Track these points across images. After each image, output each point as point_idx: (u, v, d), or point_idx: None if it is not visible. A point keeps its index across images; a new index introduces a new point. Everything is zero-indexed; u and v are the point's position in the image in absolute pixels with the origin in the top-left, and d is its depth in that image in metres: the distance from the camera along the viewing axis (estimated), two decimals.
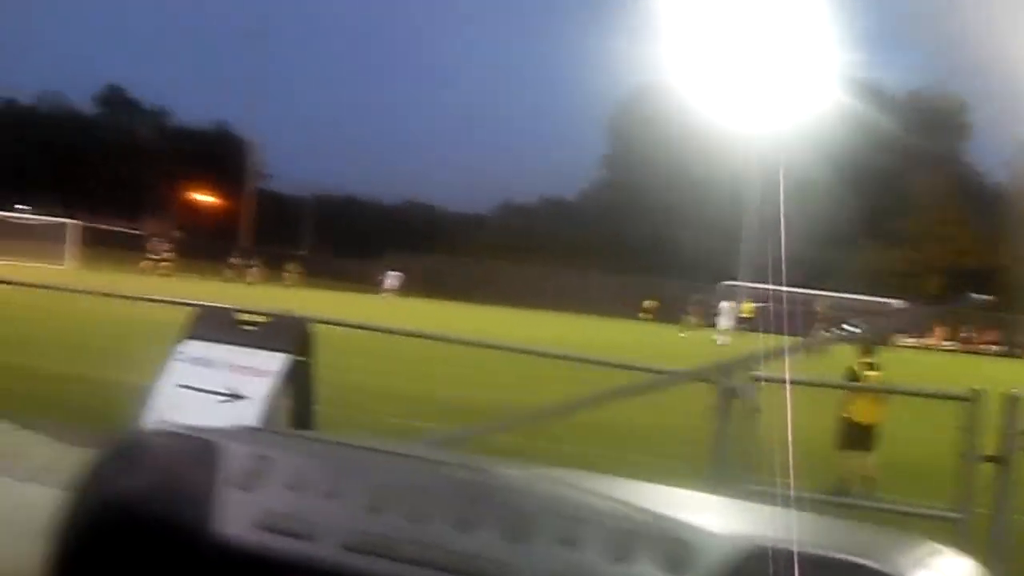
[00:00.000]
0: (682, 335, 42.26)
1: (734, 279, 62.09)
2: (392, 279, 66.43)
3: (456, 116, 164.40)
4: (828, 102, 66.65)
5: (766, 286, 62.96)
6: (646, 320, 65.76)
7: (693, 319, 55.14)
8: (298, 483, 1.00)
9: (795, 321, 62.83)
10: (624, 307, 66.56)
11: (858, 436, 11.14)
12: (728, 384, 7.34)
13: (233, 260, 66.28)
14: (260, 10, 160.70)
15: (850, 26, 67.69)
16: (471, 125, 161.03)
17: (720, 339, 42.64)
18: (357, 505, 0.97)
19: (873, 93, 71.54)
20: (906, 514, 8.41)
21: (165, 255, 61.87)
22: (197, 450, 1.04)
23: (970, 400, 6.71)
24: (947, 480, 7.10)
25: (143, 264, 59.63)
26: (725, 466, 7.43)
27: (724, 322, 43.83)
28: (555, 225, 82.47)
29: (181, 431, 1.08)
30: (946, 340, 67.23)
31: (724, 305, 44.41)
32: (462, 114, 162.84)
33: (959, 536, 6.85)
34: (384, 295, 62.60)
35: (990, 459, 6.78)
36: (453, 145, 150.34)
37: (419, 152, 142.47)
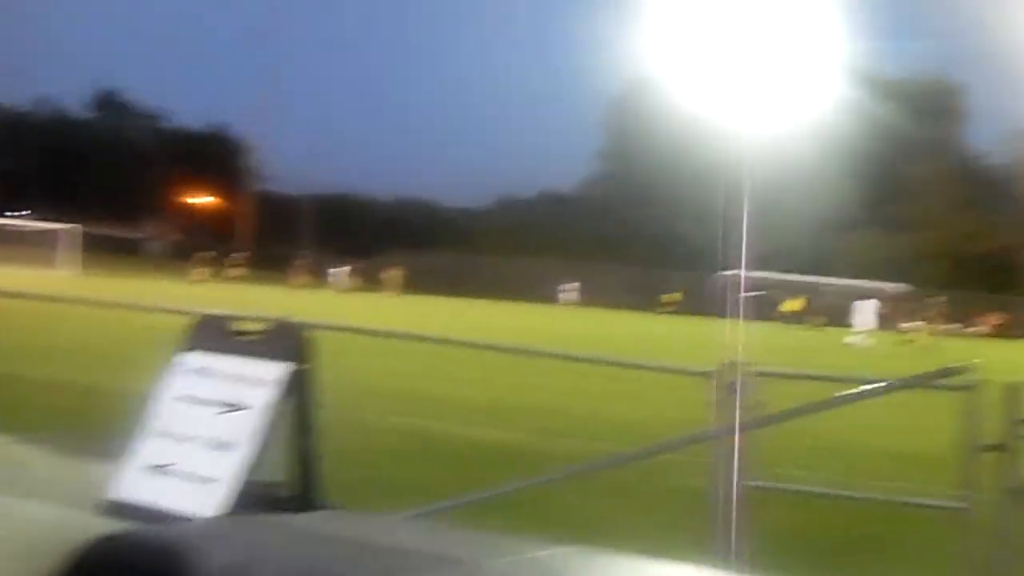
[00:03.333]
0: (846, 340, 40.93)
1: (733, 269, 61.99)
2: (394, 276, 66.50)
3: (452, 113, 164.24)
4: (825, 91, 66.61)
5: (765, 274, 63.32)
6: (666, 313, 65.68)
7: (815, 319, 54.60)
8: None
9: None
10: (638, 299, 66.70)
11: None
12: (730, 379, 7.35)
13: (298, 262, 66.90)
14: (254, 11, 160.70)
15: (846, 15, 67.51)
16: (468, 121, 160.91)
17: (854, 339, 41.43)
18: None
19: (870, 80, 71.48)
20: (907, 504, 8.44)
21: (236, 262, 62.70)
22: (161, 558, 1.01)
23: (971, 389, 6.71)
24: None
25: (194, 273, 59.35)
26: (731, 461, 7.44)
27: (860, 321, 42.23)
28: (553, 218, 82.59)
29: (146, 534, 1.05)
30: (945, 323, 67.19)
31: (859, 304, 42.50)
32: (458, 111, 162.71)
33: (965, 526, 6.87)
34: (387, 294, 62.74)
35: (991, 448, 6.78)
36: (450, 142, 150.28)
37: (417, 150, 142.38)
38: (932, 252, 74.21)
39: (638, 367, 8.65)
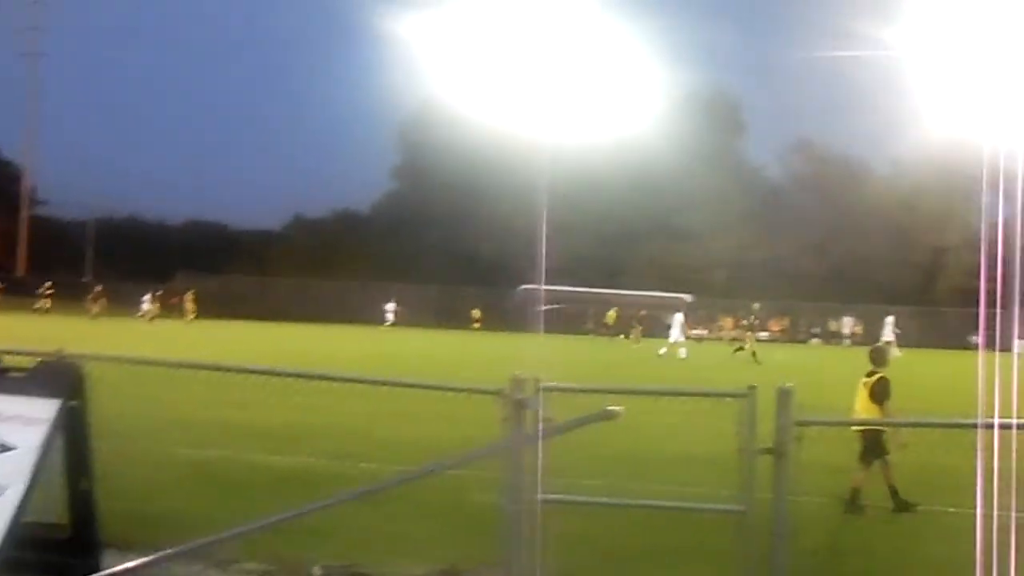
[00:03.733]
0: (661, 352, 42.01)
1: (532, 283, 62.97)
2: (188, 301, 64.60)
3: (243, 133, 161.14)
4: (613, 104, 68.23)
5: (564, 288, 64.43)
6: (477, 330, 66.14)
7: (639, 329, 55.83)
8: None
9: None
10: (450, 317, 66.80)
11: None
12: (519, 396, 7.46)
13: (95, 290, 63.65)
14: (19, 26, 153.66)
15: (631, 31, 69.46)
16: (258, 140, 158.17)
17: (667, 350, 42.62)
18: None
19: (656, 93, 73.57)
20: (691, 510, 8.74)
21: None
22: None
23: (747, 397, 6.99)
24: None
25: None
26: (519, 477, 7.54)
27: (675, 333, 43.88)
28: (348, 238, 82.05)
29: None
30: (733, 329, 69.75)
31: (677, 316, 44.43)
32: (250, 131, 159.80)
33: (743, 528, 7.14)
34: (184, 319, 60.94)
35: (767, 451, 7.08)
36: (242, 163, 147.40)
37: (207, 171, 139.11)
38: (716, 261, 77.00)
39: (429, 388, 8.66)
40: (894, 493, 11.22)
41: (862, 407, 11.63)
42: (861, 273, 69.60)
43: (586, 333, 63.66)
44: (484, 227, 75.57)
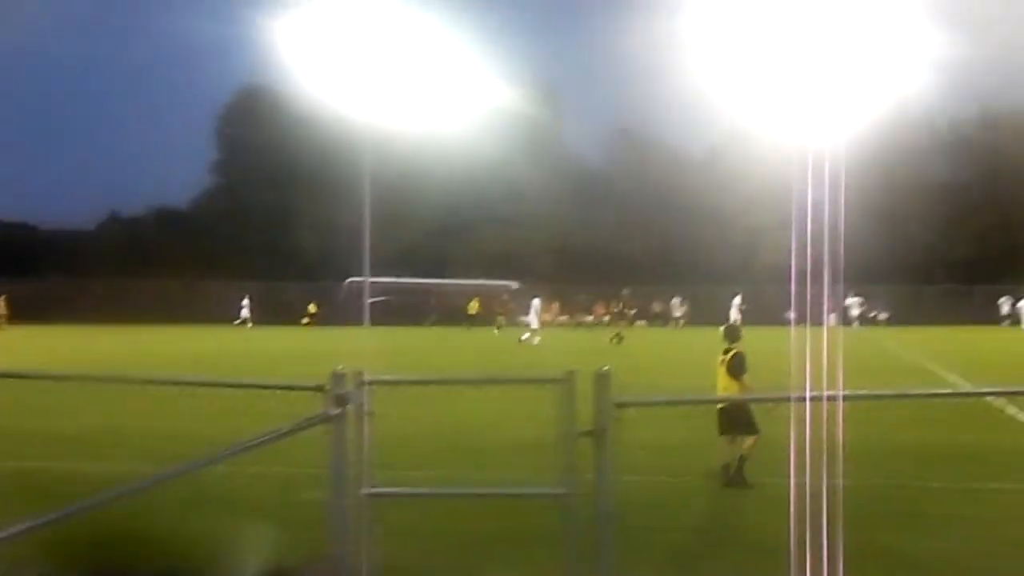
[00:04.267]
0: (523, 339, 42.09)
1: (358, 276, 62.59)
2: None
3: (50, 129, 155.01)
4: (436, 96, 68.33)
5: (391, 279, 64.23)
6: (311, 325, 65.01)
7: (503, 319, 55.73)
8: None
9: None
10: (274, 313, 65.60)
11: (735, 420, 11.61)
12: (340, 391, 7.38)
13: None
14: None
15: (453, 25, 69.49)
16: (68, 137, 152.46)
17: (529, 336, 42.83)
18: None
19: (479, 85, 73.93)
20: (518, 495, 8.79)
21: None
22: None
23: (566, 381, 7.05)
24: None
25: None
26: (343, 470, 7.46)
27: (533, 320, 44.25)
28: (166, 236, 79.83)
29: None
30: (561, 315, 70.72)
31: (535, 303, 44.92)
32: (56, 126, 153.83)
33: (568, 510, 7.22)
34: None
35: (587, 433, 7.17)
36: (50, 159, 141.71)
37: (9, 169, 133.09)
38: (540, 248, 77.84)
39: (249, 387, 8.50)
40: (739, 467, 11.47)
41: (722, 383, 11.93)
42: (683, 255, 71.36)
43: (439, 324, 63.67)
44: (308, 221, 74.67)
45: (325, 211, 71.77)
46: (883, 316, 62.96)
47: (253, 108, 79.51)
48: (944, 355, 31.04)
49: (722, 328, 12.99)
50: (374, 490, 7.41)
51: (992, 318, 54.12)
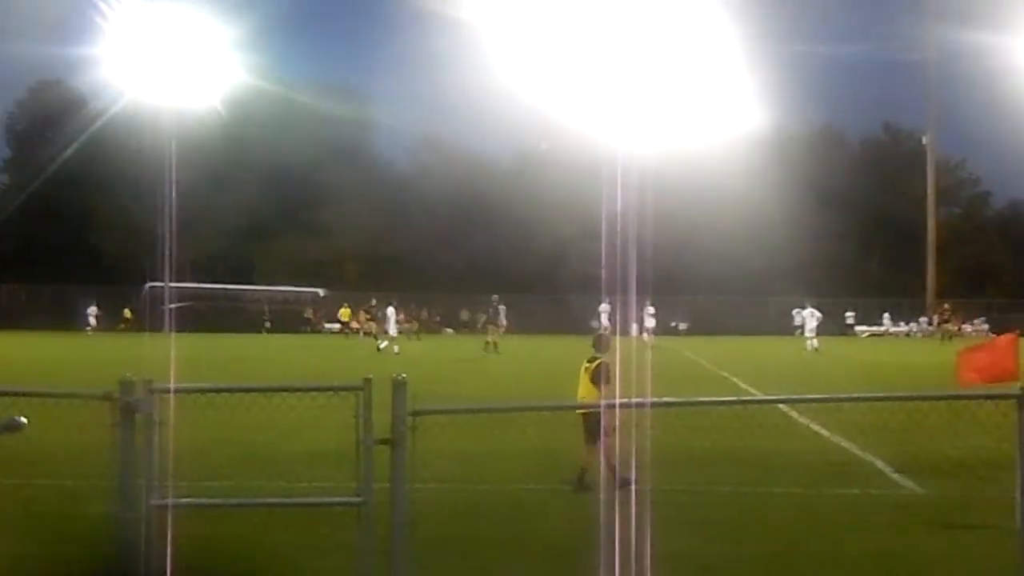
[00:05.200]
0: (381, 347, 41.59)
1: (158, 280, 60.82)
2: None
3: None
4: (240, 98, 67.11)
5: (194, 285, 62.63)
6: (126, 331, 62.15)
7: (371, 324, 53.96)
8: None
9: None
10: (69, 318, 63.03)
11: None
12: (127, 399, 7.15)
13: None
14: None
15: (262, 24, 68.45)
16: None
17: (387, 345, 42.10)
18: None
19: (285, 88, 72.94)
20: (312, 505, 8.68)
21: None
22: None
23: (362, 389, 7.01)
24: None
25: None
26: (131, 481, 7.23)
27: (392, 328, 43.35)
28: None
29: None
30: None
31: (390, 311, 44.08)
32: None
33: (363, 519, 7.16)
34: None
35: (384, 442, 7.14)
36: None
37: None
38: (347, 256, 77.37)
39: (32, 395, 8.15)
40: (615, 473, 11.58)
41: (584, 391, 12.01)
42: (489, 263, 71.83)
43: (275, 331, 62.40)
44: (106, 223, 72.20)
45: (124, 213, 69.56)
46: (683, 326, 64.87)
47: (47, 104, 76.54)
48: (738, 364, 32.17)
49: (593, 337, 13.13)
50: (164, 501, 7.20)
51: (786, 329, 56.37)
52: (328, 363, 34.45)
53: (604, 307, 52.74)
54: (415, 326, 54.93)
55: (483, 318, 48.33)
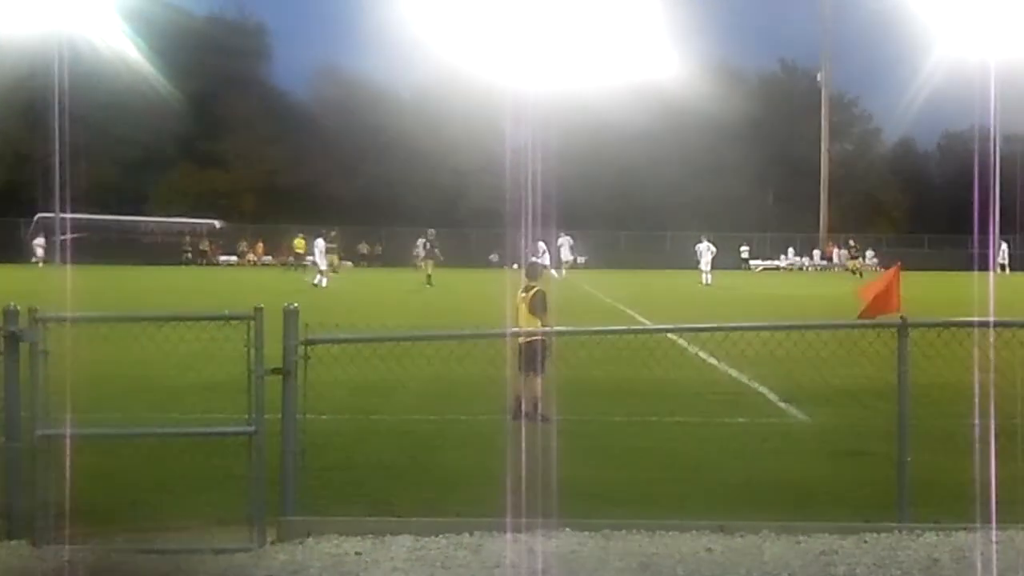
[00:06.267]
0: (314, 282, 40.26)
1: (48, 211, 59.34)
2: None
3: None
4: (129, 24, 65.40)
5: (87, 216, 61.15)
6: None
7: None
8: None
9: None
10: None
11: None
12: (11, 328, 7.01)
13: None
14: None
15: None
16: None
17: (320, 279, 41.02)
18: None
19: (177, 16, 71.22)
20: (206, 435, 8.61)
21: None
22: None
23: (253, 318, 6.96)
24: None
25: None
26: (17, 412, 7.11)
27: (321, 261, 42.31)
28: None
29: None
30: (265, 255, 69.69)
31: (319, 242, 42.96)
32: None
33: (254, 448, 7.15)
34: None
35: (276, 371, 7.11)
36: None
37: None
38: (244, 186, 76.20)
39: None
40: (534, 407, 11.58)
41: (522, 320, 11.97)
42: (388, 196, 71.34)
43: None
44: None
45: (13, 142, 67.53)
46: (581, 260, 65.39)
47: None
48: (634, 297, 32.54)
49: (525, 266, 13.13)
50: (50, 431, 7.10)
51: (682, 263, 56.90)
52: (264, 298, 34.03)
53: (541, 244, 51.90)
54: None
55: (420, 252, 47.71)
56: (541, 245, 49.74)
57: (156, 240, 70.97)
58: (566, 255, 55.27)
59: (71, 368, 8.04)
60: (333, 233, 46.95)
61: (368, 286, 40.97)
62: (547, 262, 47.27)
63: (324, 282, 40.59)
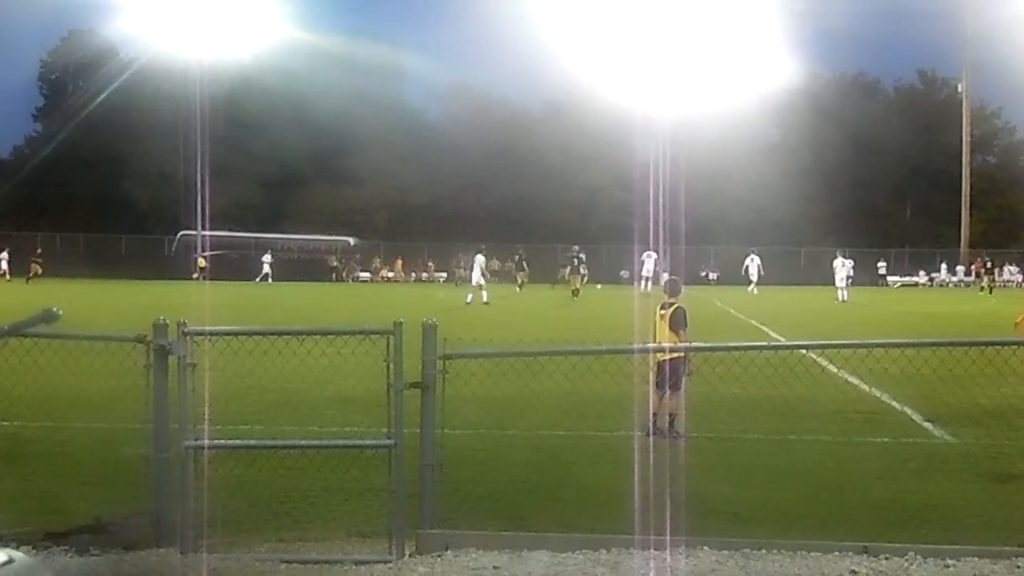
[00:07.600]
0: (468, 300, 39.52)
1: (191, 229, 61.16)
2: None
3: None
4: (272, 47, 66.99)
5: (226, 233, 62.87)
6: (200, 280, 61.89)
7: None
8: None
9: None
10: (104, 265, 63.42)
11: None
12: (161, 342, 7.21)
13: None
14: None
15: None
16: None
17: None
18: None
19: (316, 37, 72.72)
20: (345, 447, 8.74)
21: None
22: None
23: (392, 333, 7.04)
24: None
25: None
26: (165, 423, 7.31)
27: (479, 278, 41.30)
28: None
29: None
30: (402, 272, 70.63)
31: (479, 258, 42.17)
32: None
33: (394, 461, 7.22)
34: None
35: (415, 385, 7.18)
36: None
37: None
38: (378, 204, 77.34)
39: (65, 337, 8.22)
40: (671, 423, 11.63)
41: (661, 336, 12.02)
42: (519, 213, 71.70)
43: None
44: (138, 171, 72.45)
45: (156, 161, 69.78)
46: (713, 276, 64.60)
47: (80, 52, 76.60)
48: (768, 313, 32.04)
49: (665, 283, 13.12)
50: (196, 443, 7.29)
51: (817, 279, 55.92)
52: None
53: (649, 254, 51.61)
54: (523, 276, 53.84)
55: (566, 269, 48.41)
56: (650, 254, 49.44)
57: (293, 257, 72.47)
58: (753, 273, 54.34)
59: (217, 383, 8.24)
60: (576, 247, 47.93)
61: (509, 300, 41.18)
62: (650, 269, 47.07)
63: (484, 296, 39.23)
